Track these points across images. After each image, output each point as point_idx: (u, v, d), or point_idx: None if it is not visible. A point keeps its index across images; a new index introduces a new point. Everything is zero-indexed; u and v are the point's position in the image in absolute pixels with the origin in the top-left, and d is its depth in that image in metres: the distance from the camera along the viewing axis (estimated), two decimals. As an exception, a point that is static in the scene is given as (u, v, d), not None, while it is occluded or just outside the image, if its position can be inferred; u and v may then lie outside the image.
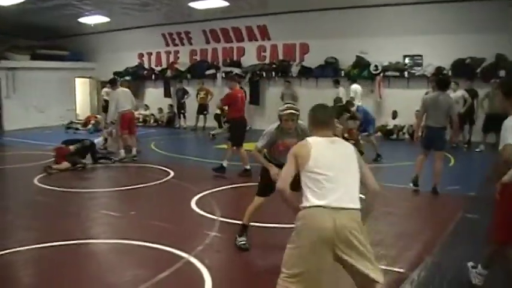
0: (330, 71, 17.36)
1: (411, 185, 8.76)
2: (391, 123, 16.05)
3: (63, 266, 5.44)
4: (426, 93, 13.38)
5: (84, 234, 6.49)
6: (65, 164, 10.99)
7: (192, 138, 18.01)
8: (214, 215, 7.14)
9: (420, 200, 8.54)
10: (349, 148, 3.70)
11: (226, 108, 11.72)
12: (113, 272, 5.39)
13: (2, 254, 5.63)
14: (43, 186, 9.49)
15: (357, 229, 3.32)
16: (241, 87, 11.73)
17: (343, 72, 17.06)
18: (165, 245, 5.82)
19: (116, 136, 13.16)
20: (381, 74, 16.29)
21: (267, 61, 19.24)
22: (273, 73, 18.89)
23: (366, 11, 16.16)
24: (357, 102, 13.89)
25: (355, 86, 15.63)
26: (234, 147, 10.30)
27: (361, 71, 16.58)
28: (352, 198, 3.42)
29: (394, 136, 15.86)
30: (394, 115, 15.95)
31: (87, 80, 24.10)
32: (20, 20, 18.40)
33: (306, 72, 17.96)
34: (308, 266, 3.35)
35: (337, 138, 3.78)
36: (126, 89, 12.98)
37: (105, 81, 22.23)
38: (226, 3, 16.46)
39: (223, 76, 19.68)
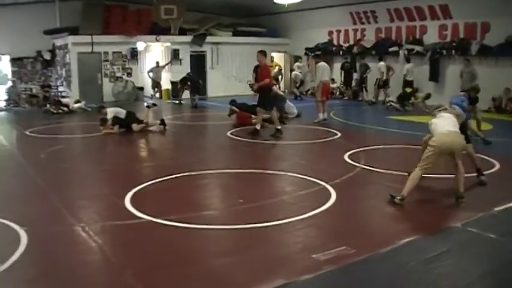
0: (510, 49, 17.17)
1: None
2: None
3: (241, 181, 8.26)
4: None
5: (258, 166, 9.01)
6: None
7: (369, 110, 19.35)
8: (358, 163, 8.90)
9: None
10: None
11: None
12: (270, 186, 8.00)
13: (204, 173, 8.43)
14: (233, 137, 12.29)
15: None
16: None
17: (523, 51, 16.80)
18: (312, 177, 7.83)
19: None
20: None
21: (447, 39, 19.61)
22: (453, 51, 19.15)
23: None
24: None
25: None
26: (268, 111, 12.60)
27: (542, 49, 16.29)
28: None
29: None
30: None
31: (282, 54, 26.62)
32: (224, 0, 21.37)
33: (485, 51, 17.97)
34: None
35: None
36: (326, 64, 15.40)
37: (298, 55, 24.72)
38: (408, -16, 17.37)
39: (405, 53, 20.66)
